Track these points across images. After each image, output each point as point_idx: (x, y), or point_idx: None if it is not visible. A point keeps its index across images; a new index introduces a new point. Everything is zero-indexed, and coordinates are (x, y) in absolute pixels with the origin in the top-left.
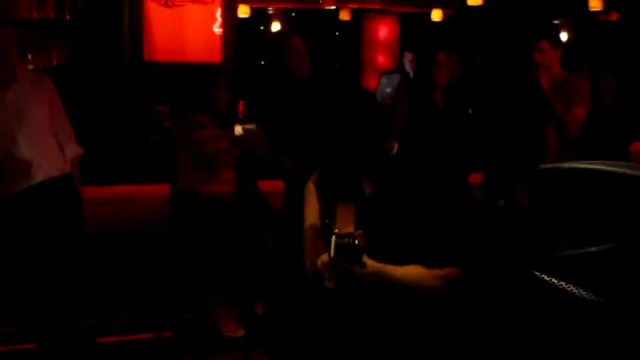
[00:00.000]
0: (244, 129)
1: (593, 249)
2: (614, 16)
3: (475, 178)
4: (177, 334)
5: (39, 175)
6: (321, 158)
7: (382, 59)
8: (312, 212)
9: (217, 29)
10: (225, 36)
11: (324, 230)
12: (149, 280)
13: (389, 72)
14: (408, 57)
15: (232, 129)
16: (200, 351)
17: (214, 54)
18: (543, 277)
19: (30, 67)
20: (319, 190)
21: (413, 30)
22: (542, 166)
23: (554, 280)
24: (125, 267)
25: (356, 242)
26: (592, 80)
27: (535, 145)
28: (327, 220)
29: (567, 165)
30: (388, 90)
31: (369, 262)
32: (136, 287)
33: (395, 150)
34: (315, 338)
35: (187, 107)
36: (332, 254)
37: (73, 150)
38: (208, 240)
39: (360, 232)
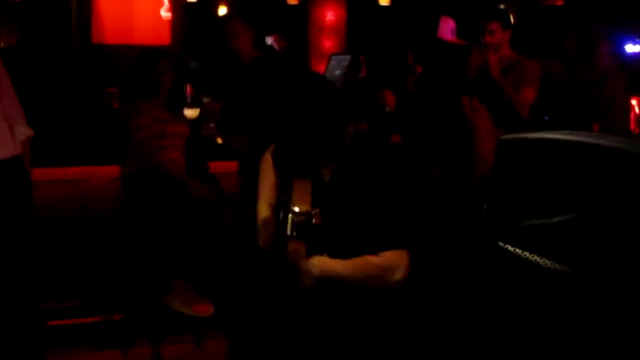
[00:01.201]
0: (203, 105)
1: (557, 219)
2: (559, 1)
3: None
4: (128, 316)
5: None
6: (277, 140)
7: (328, 44)
8: (266, 187)
9: (165, 13)
10: (174, 19)
11: (280, 207)
12: (100, 263)
13: (338, 54)
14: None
15: (181, 112)
16: (153, 334)
17: (163, 37)
18: (507, 248)
19: None
20: (276, 163)
21: (360, 14)
22: (506, 136)
23: (518, 250)
24: (77, 250)
25: (313, 220)
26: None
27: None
28: (283, 197)
29: (531, 135)
30: (337, 72)
31: (316, 260)
32: (88, 271)
33: (351, 133)
34: (269, 316)
35: (134, 90)
36: (288, 232)
37: (23, 132)
38: (162, 221)
39: (317, 210)
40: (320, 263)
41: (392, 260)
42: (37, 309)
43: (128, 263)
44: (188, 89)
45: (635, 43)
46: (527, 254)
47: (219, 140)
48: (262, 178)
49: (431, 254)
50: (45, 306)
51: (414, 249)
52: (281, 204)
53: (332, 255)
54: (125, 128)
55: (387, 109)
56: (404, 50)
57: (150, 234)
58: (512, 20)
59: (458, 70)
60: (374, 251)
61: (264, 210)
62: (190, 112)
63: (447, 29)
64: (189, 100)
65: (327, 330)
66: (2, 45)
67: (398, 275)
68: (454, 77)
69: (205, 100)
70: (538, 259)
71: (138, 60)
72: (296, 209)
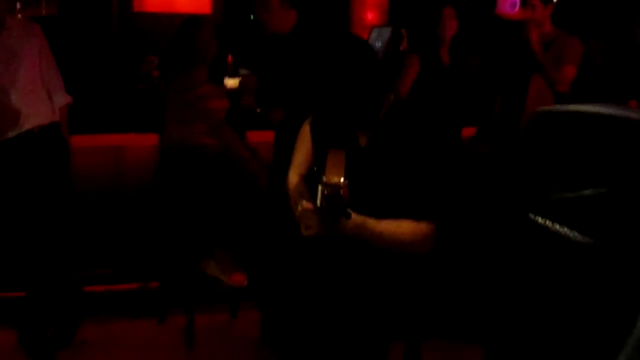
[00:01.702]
0: (242, 77)
1: (588, 192)
2: None
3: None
4: (163, 285)
5: (28, 123)
6: (315, 106)
7: (371, 16)
8: (300, 157)
9: None
10: None
11: (312, 177)
12: (137, 231)
13: (380, 26)
14: None
15: (222, 82)
16: (187, 302)
17: (203, 6)
18: (538, 220)
19: (19, 17)
20: (313, 133)
21: None
22: (539, 109)
23: (548, 222)
24: (114, 217)
25: (341, 193)
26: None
27: (521, 96)
28: (315, 168)
29: (563, 108)
30: (378, 44)
31: (352, 215)
32: (124, 239)
33: (390, 102)
34: (301, 289)
35: (176, 58)
36: (318, 202)
37: (62, 99)
38: (201, 190)
39: (346, 182)
40: (360, 218)
41: (425, 228)
42: (73, 275)
43: (165, 231)
44: (229, 58)
45: None
46: (557, 226)
47: (258, 111)
48: (297, 148)
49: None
50: (82, 273)
51: (445, 222)
52: (313, 175)
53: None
54: (176, 101)
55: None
56: (433, 20)
57: (189, 202)
58: None
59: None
60: (410, 217)
61: (293, 179)
62: (231, 82)
63: (506, 2)
64: (229, 70)
65: (349, 295)
66: (43, 13)
67: (427, 244)
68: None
69: (243, 72)
70: (568, 231)
71: (180, 28)
72: (325, 180)
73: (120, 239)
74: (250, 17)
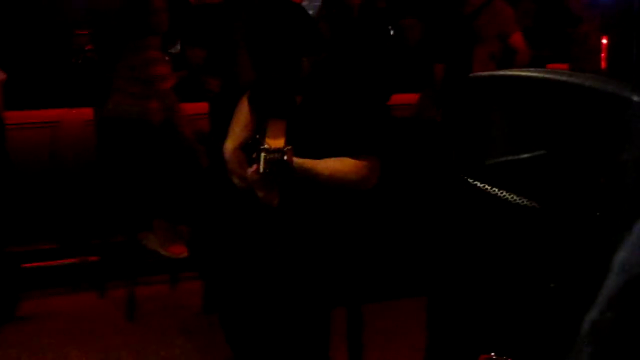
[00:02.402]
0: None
1: (525, 155)
2: None
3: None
4: (104, 258)
5: None
6: (256, 69)
7: None
8: (238, 127)
9: None
10: None
11: (254, 145)
12: (75, 206)
13: None
14: None
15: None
16: (128, 275)
17: None
18: (475, 183)
19: None
20: (252, 105)
21: None
22: (474, 74)
23: (486, 186)
24: (52, 193)
25: (285, 157)
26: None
27: (466, 64)
28: (257, 136)
29: (499, 72)
30: (310, 11)
31: (294, 159)
32: (62, 214)
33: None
34: (244, 255)
35: (118, 31)
36: (261, 169)
37: None
38: (141, 164)
39: (289, 147)
40: (300, 160)
41: (367, 162)
42: (13, 251)
43: (104, 205)
44: None
45: None
46: (496, 190)
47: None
48: (234, 120)
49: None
50: (22, 249)
51: (385, 159)
52: (255, 143)
53: None
54: (121, 70)
55: None
56: None
57: (128, 176)
58: None
59: None
60: (348, 155)
61: (229, 149)
62: None
63: None
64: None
65: (290, 260)
66: None
67: (372, 178)
68: None
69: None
70: (506, 194)
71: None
72: (268, 147)
73: (60, 213)
74: None
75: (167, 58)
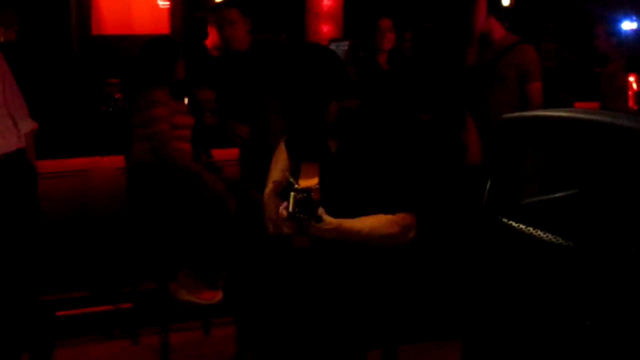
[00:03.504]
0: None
1: (559, 194)
2: None
3: None
4: (136, 305)
5: None
6: (288, 115)
7: (326, 29)
8: (278, 173)
9: (162, 3)
10: (172, 8)
11: (287, 188)
12: (107, 253)
13: (337, 39)
14: None
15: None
16: (160, 321)
17: (162, 26)
18: (511, 224)
19: None
20: (288, 150)
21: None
22: (506, 115)
23: (521, 226)
24: (83, 241)
25: (312, 196)
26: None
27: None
28: (290, 178)
29: (530, 113)
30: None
31: (328, 219)
32: (95, 261)
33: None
34: (279, 300)
35: (146, 79)
36: (290, 208)
37: (27, 125)
38: (170, 211)
39: (317, 186)
40: (336, 220)
41: (406, 218)
42: (45, 300)
43: (135, 253)
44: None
45: (632, 20)
46: (530, 229)
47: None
48: (272, 166)
49: (437, 220)
50: (54, 297)
51: (421, 212)
52: (288, 185)
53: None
54: (140, 117)
55: None
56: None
57: (157, 223)
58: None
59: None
60: (385, 212)
61: (267, 193)
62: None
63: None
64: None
65: (326, 303)
66: (2, 40)
67: (411, 233)
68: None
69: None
70: (541, 233)
71: (145, 48)
72: (297, 186)
73: (92, 261)
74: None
75: (183, 104)
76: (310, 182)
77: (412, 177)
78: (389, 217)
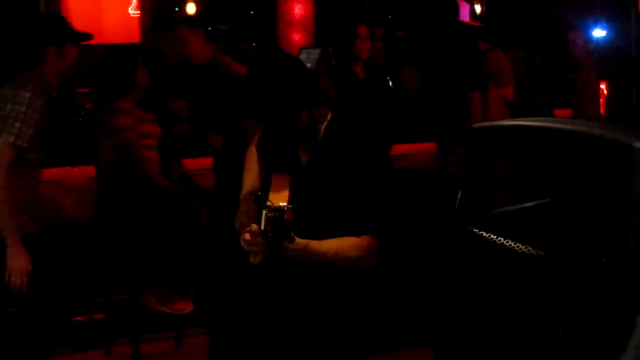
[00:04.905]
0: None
1: (530, 204)
2: None
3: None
4: (109, 316)
5: None
6: (259, 122)
7: (297, 37)
8: (250, 178)
9: (133, 11)
10: (143, 17)
11: (257, 202)
12: (78, 264)
13: (308, 47)
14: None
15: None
16: (133, 332)
17: (132, 35)
18: (481, 233)
19: None
20: (259, 152)
21: (328, 8)
22: (477, 125)
23: (492, 235)
24: (55, 251)
25: (285, 217)
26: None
27: (464, 111)
28: (259, 193)
29: (501, 123)
30: (308, 65)
31: (296, 240)
32: (65, 272)
33: (328, 119)
34: (250, 310)
35: (107, 88)
36: (262, 227)
37: None
38: (139, 221)
39: (289, 207)
40: (303, 241)
41: (371, 242)
42: (14, 311)
43: (106, 263)
44: None
45: (602, 28)
46: (501, 239)
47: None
48: (245, 170)
49: (404, 239)
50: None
51: (387, 233)
52: (258, 199)
53: (306, 238)
54: (105, 128)
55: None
56: (348, 38)
57: (127, 233)
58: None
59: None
60: (351, 234)
61: (246, 201)
62: None
63: (465, 11)
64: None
65: (297, 315)
66: None
67: (372, 257)
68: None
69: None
70: (512, 243)
71: (107, 57)
72: (270, 204)
73: (63, 271)
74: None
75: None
76: (280, 196)
77: (380, 199)
78: (355, 240)
